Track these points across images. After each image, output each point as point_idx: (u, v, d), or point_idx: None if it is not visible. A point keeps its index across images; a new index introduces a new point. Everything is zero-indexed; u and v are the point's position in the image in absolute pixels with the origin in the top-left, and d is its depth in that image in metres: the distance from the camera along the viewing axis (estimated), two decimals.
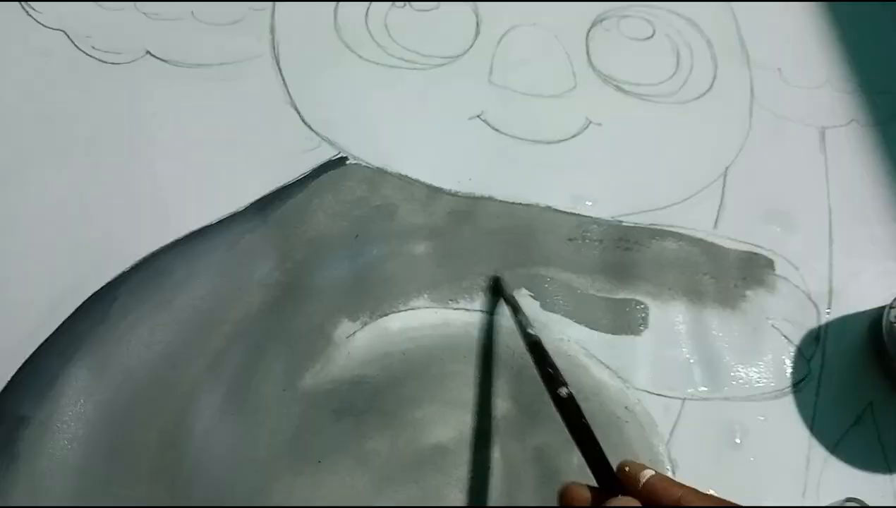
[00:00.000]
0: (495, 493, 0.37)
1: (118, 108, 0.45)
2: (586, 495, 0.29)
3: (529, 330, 0.37)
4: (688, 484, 0.29)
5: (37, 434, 0.36)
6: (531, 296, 0.42)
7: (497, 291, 0.42)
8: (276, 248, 0.42)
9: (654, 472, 0.29)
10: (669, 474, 0.38)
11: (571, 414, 0.32)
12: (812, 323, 0.44)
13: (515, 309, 0.39)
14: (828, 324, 0.44)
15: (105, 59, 0.46)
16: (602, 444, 0.33)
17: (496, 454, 0.38)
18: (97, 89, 0.45)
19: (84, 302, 0.39)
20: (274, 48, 0.48)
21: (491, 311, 0.42)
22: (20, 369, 0.37)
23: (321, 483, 0.37)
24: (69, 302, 0.39)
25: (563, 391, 0.32)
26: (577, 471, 0.38)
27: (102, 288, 0.39)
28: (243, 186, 0.44)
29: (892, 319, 0.42)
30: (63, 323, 0.38)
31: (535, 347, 0.36)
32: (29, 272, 0.39)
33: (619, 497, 0.28)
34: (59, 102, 0.45)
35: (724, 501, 0.28)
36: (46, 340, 0.38)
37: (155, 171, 0.43)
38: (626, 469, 0.29)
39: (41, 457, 0.35)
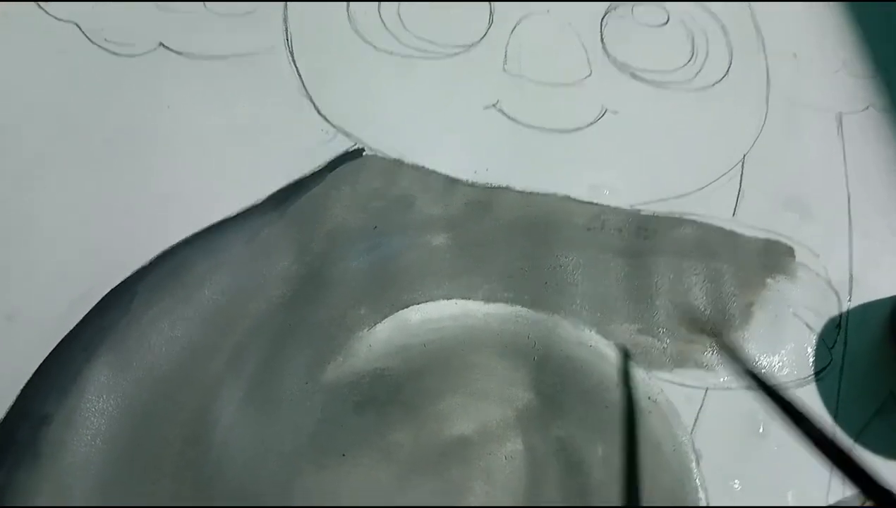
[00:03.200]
0: (520, 485, 0.37)
1: (133, 101, 0.44)
2: None
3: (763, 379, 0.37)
4: None
5: (60, 432, 0.36)
6: (553, 286, 0.42)
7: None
8: (295, 241, 0.42)
9: None
10: (693, 465, 0.39)
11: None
12: (833, 311, 0.44)
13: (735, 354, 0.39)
14: (849, 312, 0.44)
15: (118, 52, 0.46)
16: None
17: (520, 445, 0.38)
18: (111, 82, 0.45)
19: (103, 298, 0.39)
20: (287, 39, 0.48)
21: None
22: (41, 366, 0.37)
23: (345, 476, 0.37)
24: (89, 298, 0.38)
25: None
26: (602, 462, 0.38)
27: (121, 283, 0.39)
28: (260, 179, 0.43)
29: None
30: (83, 318, 0.38)
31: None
32: (48, 269, 0.39)
33: None
34: (72, 96, 0.44)
35: None
36: (67, 336, 0.37)
37: (171, 165, 0.43)
38: None
39: (65, 455, 0.35)
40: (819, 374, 0.42)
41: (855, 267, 0.45)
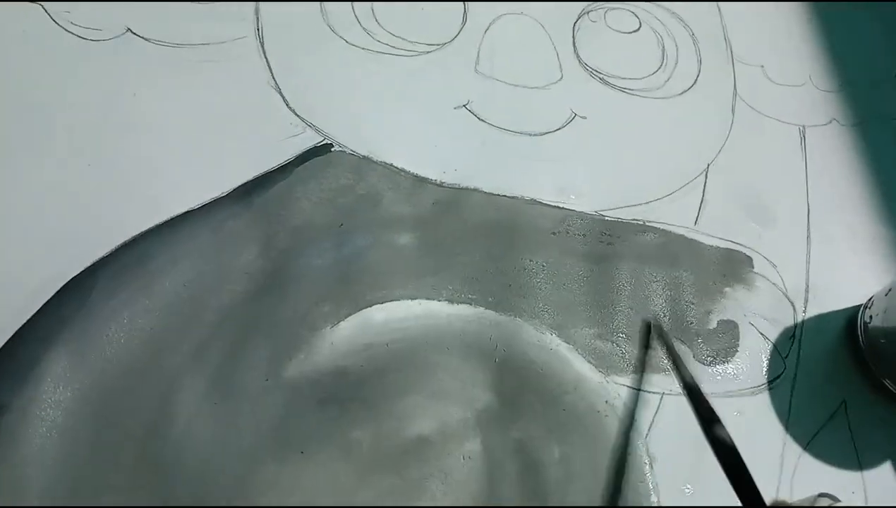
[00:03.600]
0: (477, 485, 0.38)
1: (98, 88, 0.44)
2: None
3: (687, 378, 0.37)
4: None
5: (15, 422, 0.35)
6: (516, 289, 0.43)
7: (651, 335, 0.43)
8: (260, 235, 0.42)
9: None
10: (647, 469, 0.39)
11: (726, 454, 0.32)
12: (788, 321, 0.45)
13: (673, 356, 0.40)
14: (804, 322, 0.45)
15: (84, 36, 0.45)
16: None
17: (478, 445, 0.39)
18: (76, 67, 0.44)
19: (63, 287, 0.38)
20: (258, 30, 0.47)
21: (644, 350, 0.42)
22: None
23: (304, 472, 0.37)
24: (48, 287, 0.38)
25: (722, 432, 0.33)
26: (559, 463, 0.38)
27: (82, 272, 0.39)
28: (226, 171, 0.43)
29: (867, 319, 0.43)
30: (42, 307, 0.37)
31: (693, 392, 0.36)
32: (6, 256, 0.38)
33: None
34: (35, 81, 0.43)
35: None
36: (24, 325, 0.37)
37: (135, 154, 0.42)
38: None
39: (20, 446, 0.35)
40: (772, 383, 0.43)
41: (812, 278, 0.46)
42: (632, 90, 0.51)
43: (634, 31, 0.53)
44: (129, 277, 0.39)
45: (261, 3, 0.48)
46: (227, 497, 0.36)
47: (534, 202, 0.45)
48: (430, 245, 0.43)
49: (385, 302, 0.41)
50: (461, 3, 0.51)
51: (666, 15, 0.54)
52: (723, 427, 0.33)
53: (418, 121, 0.47)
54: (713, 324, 0.44)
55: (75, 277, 0.39)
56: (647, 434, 0.40)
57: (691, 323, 0.44)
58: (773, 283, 0.46)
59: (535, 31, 0.51)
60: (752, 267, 0.46)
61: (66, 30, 0.45)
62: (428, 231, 0.43)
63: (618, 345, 0.42)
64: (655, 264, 0.45)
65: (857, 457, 0.42)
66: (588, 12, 0.53)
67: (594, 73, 0.51)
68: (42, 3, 0.45)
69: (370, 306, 0.41)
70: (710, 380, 0.42)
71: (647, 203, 0.47)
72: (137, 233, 0.40)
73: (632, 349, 0.42)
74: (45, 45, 0.44)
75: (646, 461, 0.40)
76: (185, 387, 0.37)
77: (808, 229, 0.48)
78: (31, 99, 0.43)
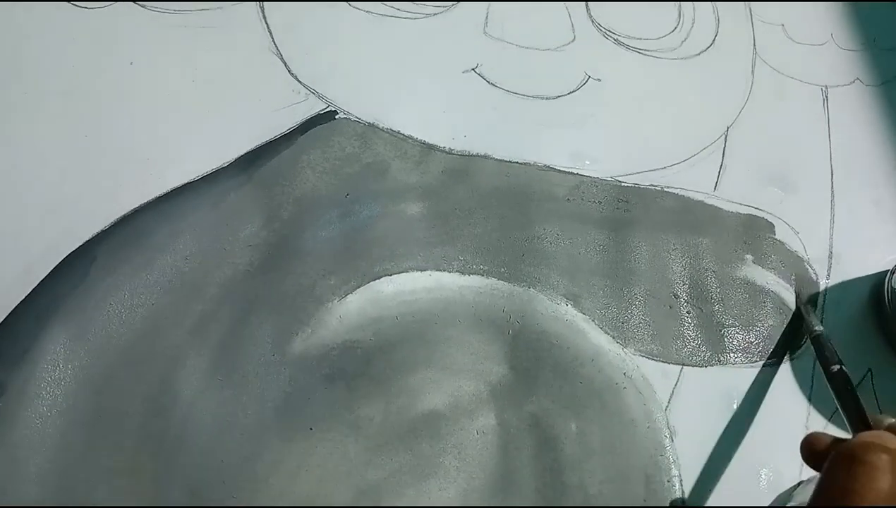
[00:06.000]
0: (492, 461, 0.36)
1: (94, 55, 0.42)
2: (828, 441, 0.31)
3: (815, 327, 0.40)
4: None
5: (13, 402, 0.34)
6: (530, 258, 0.41)
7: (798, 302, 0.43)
8: (263, 207, 0.40)
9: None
10: (667, 442, 0.38)
11: (841, 385, 0.36)
12: (812, 289, 0.43)
13: (806, 312, 0.42)
14: (827, 290, 0.43)
15: (80, 3, 0.43)
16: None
17: (492, 420, 0.37)
18: (72, 34, 0.42)
19: (61, 263, 0.37)
20: None
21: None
22: None
23: (313, 450, 0.35)
24: (45, 262, 0.37)
25: (835, 368, 0.37)
26: (575, 438, 0.37)
27: (80, 247, 0.37)
28: (227, 141, 0.41)
29: (894, 285, 0.41)
30: (39, 284, 0.36)
31: (818, 339, 0.39)
32: (2, 231, 0.37)
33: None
34: (30, 48, 0.42)
35: None
36: (22, 302, 0.36)
37: (134, 123, 0.41)
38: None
39: (18, 426, 0.34)
40: (795, 352, 0.41)
41: (835, 245, 0.45)
42: (647, 51, 0.49)
43: None
44: (128, 252, 0.38)
45: None
46: (232, 477, 0.35)
47: (547, 168, 0.44)
48: (440, 214, 0.42)
49: (394, 273, 0.40)
50: None
51: None
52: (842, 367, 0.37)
53: (425, 86, 0.45)
54: (734, 292, 0.42)
55: (73, 252, 0.37)
56: (667, 407, 0.39)
57: (711, 291, 0.42)
58: (796, 250, 0.44)
59: None
60: (774, 234, 0.44)
61: None
62: (437, 200, 0.42)
63: (637, 315, 0.41)
64: (674, 231, 0.43)
65: None
66: None
67: (608, 33, 0.49)
68: None
69: (378, 278, 0.39)
70: (733, 350, 0.41)
71: (664, 168, 0.45)
72: (136, 206, 0.39)
73: (651, 317, 0.41)
74: (40, 12, 0.43)
75: (666, 434, 0.38)
76: (188, 364, 0.36)
77: (832, 194, 0.46)
78: (26, 66, 0.41)
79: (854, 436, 0.31)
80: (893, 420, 0.32)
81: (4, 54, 0.41)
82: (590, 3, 0.49)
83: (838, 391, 0.36)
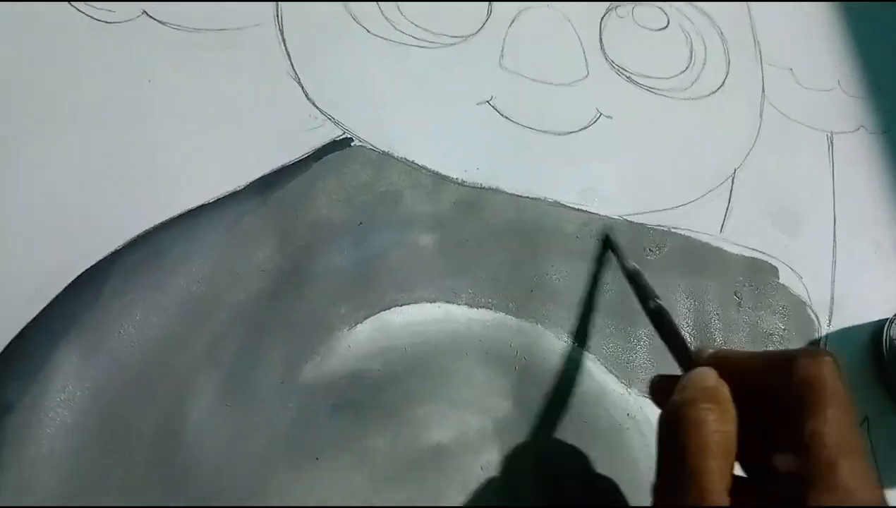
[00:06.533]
0: (495, 497, 0.37)
1: (110, 72, 0.42)
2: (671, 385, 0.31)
3: (629, 264, 0.41)
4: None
5: (23, 421, 0.34)
6: (538, 294, 0.42)
7: (607, 245, 0.44)
8: (277, 232, 0.40)
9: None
10: None
11: (660, 320, 0.37)
12: (813, 334, 0.44)
13: (617, 253, 0.42)
14: (828, 336, 0.44)
15: (97, 17, 0.43)
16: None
17: (496, 456, 0.38)
18: (88, 49, 0.42)
19: (73, 282, 0.37)
20: (277, 16, 0.46)
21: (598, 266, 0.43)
22: (4, 351, 0.35)
23: (319, 480, 0.36)
24: (58, 281, 0.37)
25: (653, 303, 0.37)
26: (580, 476, 0.38)
27: (93, 267, 0.37)
28: (242, 164, 0.42)
29: (893, 334, 0.42)
30: (51, 303, 0.36)
31: (634, 275, 0.40)
32: (16, 249, 0.37)
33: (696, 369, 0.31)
34: (46, 64, 0.42)
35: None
36: (33, 321, 0.36)
37: (149, 143, 0.41)
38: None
39: (28, 446, 0.34)
40: None
41: (837, 290, 0.45)
42: (659, 90, 0.49)
43: (662, 29, 0.51)
44: (142, 273, 0.38)
45: None
46: (239, 503, 0.35)
47: (557, 204, 0.44)
48: (451, 246, 0.42)
49: (404, 304, 0.40)
50: None
51: (694, 13, 0.52)
52: (658, 301, 0.38)
53: (440, 117, 0.46)
54: (737, 336, 0.43)
55: (86, 271, 0.37)
56: None
57: (715, 334, 0.43)
58: (798, 295, 0.45)
59: (561, 25, 0.50)
60: (778, 278, 0.45)
61: (79, 10, 0.43)
62: (448, 231, 0.42)
63: (641, 355, 0.41)
64: (680, 272, 0.44)
65: (878, 475, 0.41)
66: (616, 8, 0.51)
67: (621, 70, 0.49)
68: None
69: (389, 308, 0.40)
70: None
71: (672, 208, 0.46)
72: (150, 226, 0.39)
73: (655, 359, 0.41)
74: (57, 26, 0.43)
75: None
76: (198, 388, 0.36)
77: (835, 240, 0.47)
78: (41, 83, 0.41)
79: (682, 375, 0.31)
80: (712, 350, 0.33)
81: (20, 69, 0.41)
82: (604, 40, 0.50)
83: (658, 325, 0.37)
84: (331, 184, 0.42)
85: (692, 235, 0.45)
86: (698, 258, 0.45)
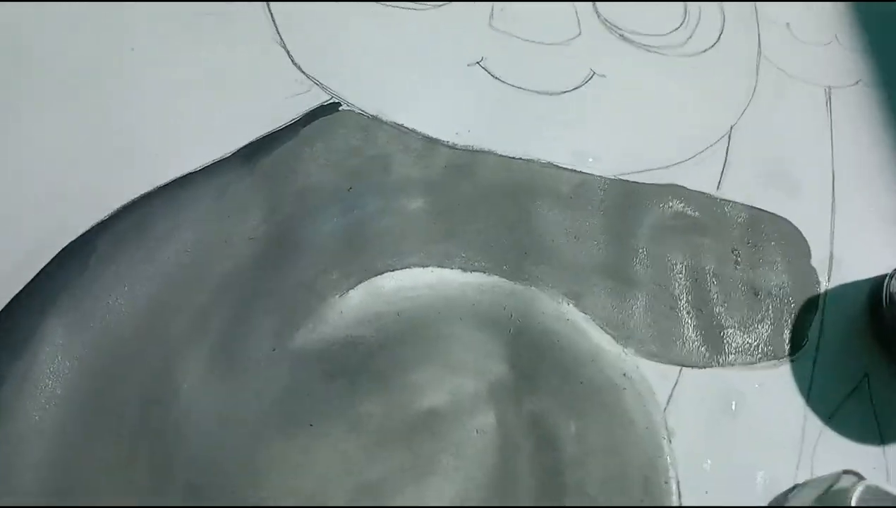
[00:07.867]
0: (491, 460, 0.37)
1: (96, 43, 0.41)
2: None
3: None
4: None
5: (11, 394, 0.34)
6: (532, 257, 0.41)
7: None
8: (265, 200, 0.40)
9: None
10: (665, 443, 0.38)
11: None
12: (812, 292, 0.43)
13: None
14: (827, 293, 0.43)
15: None
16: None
17: (492, 419, 0.37)
18: (71, 19, 0.42)
19: (60, 253, 0.36)
20: None
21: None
22: None
23: (313, 447, 0.35)
24: (44, 252, 0.36)
25: None
26: (575, 439, 0.37)
27: (80, 237, 0.37)
28: (229, 131, 0.41)
29: (893, 289, 0.42)
30: (38, 274, 0.36)
31: None
32: (1, 220, 0.37)
33: None
34: (30, 35, 0.41)
35: None
36: (20, 293, 0.35)
37: (135, 112, 0.40)
38: None
39: (17, 418, 0.33)
40: (794, 354, 0.42)
41: (836, 247, 0.45)
42: (652, 47, 0.48)
43: None
44: (129, 243, 0.37)
45: None
46: (231, 471, 0.34)
47: (550, 165, 0.44)
48: (442, 210, 0.41)
49: (396, 269, 0.39)
50: None
51: None
52: None
53: (430, 79, 0.45)
54: (735, 294, 0.42)
55: (73, 242, 0.37)
56: (665, 408, 0.39)
57: (712, 292, 0.42)
58: (798, 251, 0.44)
59: None
60: (777, 234, 0.44)
61: None
62: (440, 195, 0.42)
63: (637, 315, 0.41)
64: (676, 230, 0.43)
65: (879, 432, 0.41)
66: None
67: (613, 28, 0.48)
68: None
69: (380, 274, 0.39)
70: (732, 351, 0.41)
71: (667, 166, 0.45)
72: (137, 196, 0.38)
73: (651, 318, 0.41)
74: None
75: (664, 435, 0.38)
76: (188, 358, 0.36)
77: (833, 196, 0.46)
78: (24, 52, 0.40)
79: None
80: None
81: (4, 42, 0.40)
82: None
83: None
84: (319, 150, 0.41)
85: (689, 193, 0.44)
86: (695, 216, 0.44)
